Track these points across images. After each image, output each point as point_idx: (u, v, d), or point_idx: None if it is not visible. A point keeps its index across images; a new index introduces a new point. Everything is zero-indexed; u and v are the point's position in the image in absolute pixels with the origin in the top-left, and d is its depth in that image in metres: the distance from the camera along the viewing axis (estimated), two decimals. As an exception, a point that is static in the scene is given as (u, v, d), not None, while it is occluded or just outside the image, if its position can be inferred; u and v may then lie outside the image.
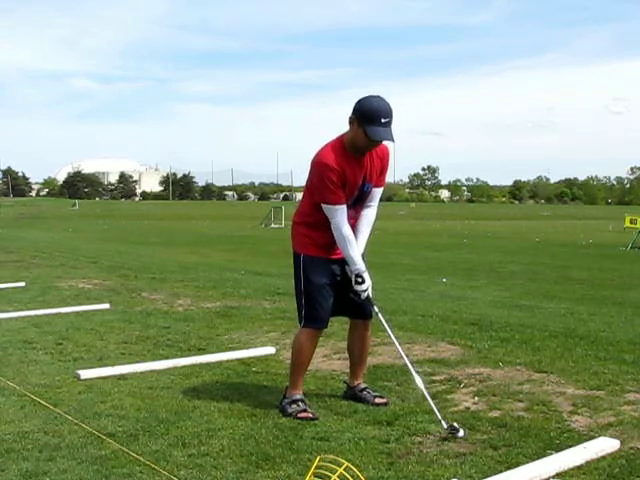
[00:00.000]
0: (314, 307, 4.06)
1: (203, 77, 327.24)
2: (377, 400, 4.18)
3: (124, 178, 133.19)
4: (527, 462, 3.22)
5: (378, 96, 3.93)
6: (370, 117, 3.83)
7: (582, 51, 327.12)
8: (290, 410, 3.94)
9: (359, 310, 4.19)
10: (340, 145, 3.96)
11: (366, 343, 4.34)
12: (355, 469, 2.70)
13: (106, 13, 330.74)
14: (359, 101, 3.91)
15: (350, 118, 3.93)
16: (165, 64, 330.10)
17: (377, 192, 4.14)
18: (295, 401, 4.01)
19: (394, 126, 4.05)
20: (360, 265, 3.98)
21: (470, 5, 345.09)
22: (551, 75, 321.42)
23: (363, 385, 4.31)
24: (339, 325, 5.55)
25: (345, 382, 4.40)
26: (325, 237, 4.04)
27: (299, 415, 3.90)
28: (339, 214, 3.93)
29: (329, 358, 5.34)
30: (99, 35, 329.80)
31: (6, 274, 10.23)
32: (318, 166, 3.94)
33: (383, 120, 3.83)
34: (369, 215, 4.15)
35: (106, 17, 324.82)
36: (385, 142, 4.00)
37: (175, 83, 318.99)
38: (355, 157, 3.96)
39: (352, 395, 4.26)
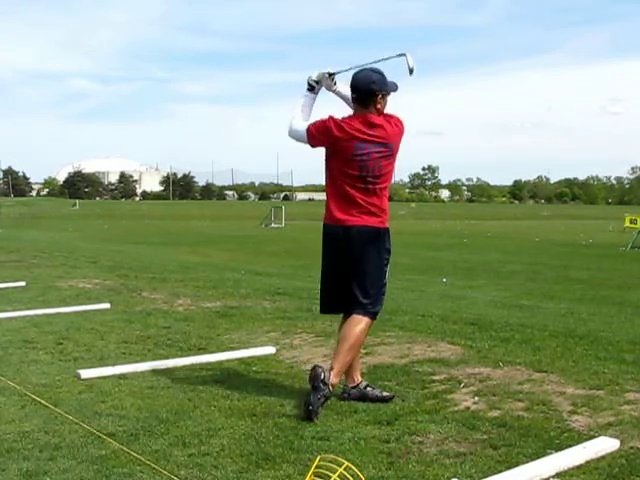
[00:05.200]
0: (320, 291, 4.39)
1: (202, 77, 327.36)
2: (384, 393, 4.23)
3: (124, 178, 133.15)
4: (527, 462, 3.22)
5: (363, 69, 4.21)
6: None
7: (580, 51, 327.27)
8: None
9: (350, 303, 4.22)
10: None
11: (350, 332, 4.15)
12: (355, 469, 2.70)
13: (105, 14, 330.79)
14: None
15: None
16: (164, 64, 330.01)
17: None
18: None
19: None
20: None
21: (468, 5, 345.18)
22: (550, 75, 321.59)
23: (365, 382, 4.32)
24: (339, 325, 5.54)
25: (344, 387, 4.30)
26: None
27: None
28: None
29: (329, 358, 5.32)
30: (98, 36, 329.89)
31: (6, 274, 10.22)
32: None
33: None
34: None
35: (105, 18, 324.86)
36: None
37: (175, 83, 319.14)
38: None
39: (356, 394, 4.23)
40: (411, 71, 4.16)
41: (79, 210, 53.76)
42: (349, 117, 4.24)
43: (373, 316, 4.24)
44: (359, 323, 4.16)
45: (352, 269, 4.17)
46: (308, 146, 4.26)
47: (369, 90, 4.13)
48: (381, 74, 4.17)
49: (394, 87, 4.24)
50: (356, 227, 4.13)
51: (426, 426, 3.74)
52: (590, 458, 3.29)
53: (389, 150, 4.15)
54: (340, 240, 4.18)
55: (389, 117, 4.21)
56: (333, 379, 3.99)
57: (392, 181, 4.39)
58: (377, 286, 4.22)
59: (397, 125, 4.21)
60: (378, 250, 4.20)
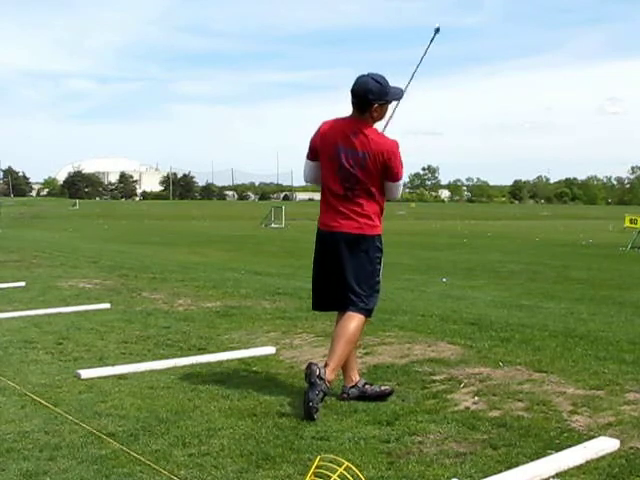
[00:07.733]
0: (312, 289, 4.40)
1: (202, 78, 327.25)
2: (382, 387, 4.26)
3: (124, 178, 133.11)
4: (527, 462, 3.23)
5: (362, 75, 4.16)
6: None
7: (579, 51, 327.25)
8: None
9: (341, 302, 4.23)
10: None
11: (344, 328, 4.16)
12: (355, 469, 2.70)
13: (104, 14, 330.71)
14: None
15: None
16: (163, 64, 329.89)
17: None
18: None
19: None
20: None
21: (467, 5, 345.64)
22: (549, 75, 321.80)
23: (364, 380, 4.33)
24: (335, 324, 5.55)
25: (343, 388, 4.30)
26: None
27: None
28: None
29: (329, 358, 5.34)
30: (97, 36, 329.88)
31: (6, 274, 10.22)
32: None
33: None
34: None
35: (104, 18, 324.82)
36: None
37: (174, 83, 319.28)
38: None
39: (355, 392, 4.23)
40: (437, 30, 4.42)
41: (79, 210, 53.73)
42: (343, 118, 4.22)
43: (367, 313, 4.26)
44: (353, 320, 4.18)
45: (342, 270, 4.19)
46: (312, 161, 4.32)
47: (365, 99, 4.08)
48: (381, 83, 4.10)
49: (397, 94, 4.19)
50: (340, 233, 4.17)
51: (426, 426, 3.74)
52: (590, 458, 3.29)
53: (364, 160, 4.06)
54: (328, 244, 4.23)
55: (382, 136, 4.19)
56: (329, 375, 4.00)
57: (382, 191, 4.21)
58: (369, 284, 4.22)
59: (385, 144, 4.10)
60: (367, 251, 4.20)
